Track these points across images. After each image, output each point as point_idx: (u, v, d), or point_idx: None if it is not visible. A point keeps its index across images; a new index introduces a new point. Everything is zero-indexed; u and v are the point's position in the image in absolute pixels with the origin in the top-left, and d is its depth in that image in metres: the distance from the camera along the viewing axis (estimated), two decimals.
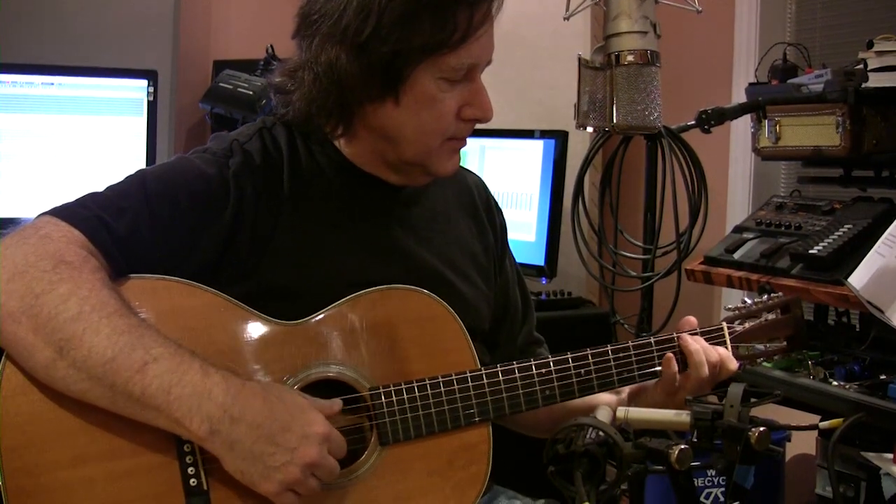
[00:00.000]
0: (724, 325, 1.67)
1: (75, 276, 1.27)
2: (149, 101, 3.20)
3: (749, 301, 1.74)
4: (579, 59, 1.71)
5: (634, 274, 2.88)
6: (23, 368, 1.28)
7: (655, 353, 1.60)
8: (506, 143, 3.60)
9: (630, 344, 1.59)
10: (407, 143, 1.51)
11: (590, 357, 1.56)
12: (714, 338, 1.65)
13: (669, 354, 1.59)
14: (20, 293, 1.26)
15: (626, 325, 2.85)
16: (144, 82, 3.20)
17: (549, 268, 3.51)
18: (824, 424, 1.42)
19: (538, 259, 3.47)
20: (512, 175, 3.51)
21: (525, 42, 3.81)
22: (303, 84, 1.51)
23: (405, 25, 1.41)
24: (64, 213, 1.36)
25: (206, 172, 1.46)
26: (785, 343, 1.71)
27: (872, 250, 1.94)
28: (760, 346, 1.69)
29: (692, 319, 1.68)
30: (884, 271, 1.84)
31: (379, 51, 1.42)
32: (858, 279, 1.92)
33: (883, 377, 2.13)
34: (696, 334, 1.63)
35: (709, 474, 1.50)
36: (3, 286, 1.26)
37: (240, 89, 2.87)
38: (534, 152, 3.58)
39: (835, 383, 2.15)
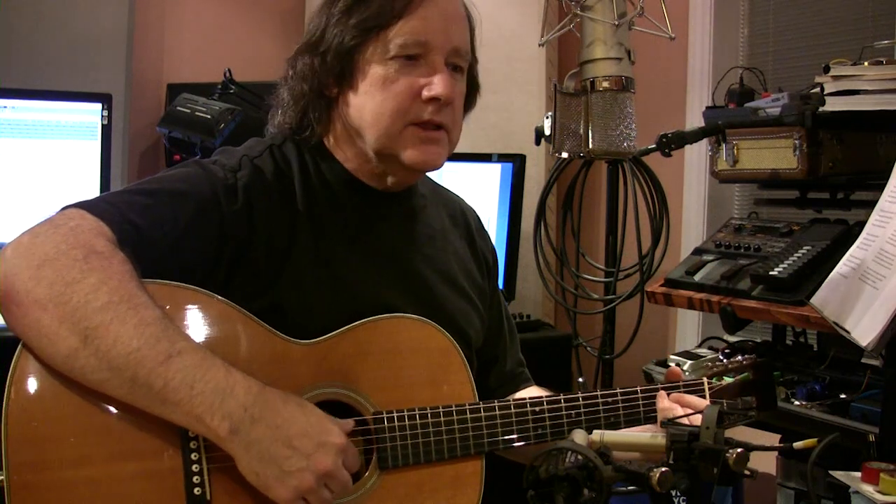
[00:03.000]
0: (705, 380, 1.74)
1: (106, 267, 1.27)
2: (103, 125, 3.17)
3: (724, 360, 1.85)
4: (555, 86, 1.73)
5: (597, 297, 2.89)
6: (39, 358, 1.27)
7: (641, 402, 1.66)
8: (463, 166, 3.61)
9: (618, 391, 1.66)
10: (367, 129, 1.55)
11: (580, 400, 1.62)
12: (696, 391, 1.71)
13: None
14: (50, 280, 1.25)
15: (588, 348, 2.86)
16: (98, 106, 3.17)
17: (508, 290, 3.53)
18: (798, 444, 1.43)
19: None
20: (469, 198, 3.48)
21: (480, 67, 3.81)
22: (282, 95, 1.62)
23: (350, 12, 1.53)
24: (91, 206, 1.36)
25: (220, 182, 1.48)
26: (754, 401, 1.79)
27: (834, 271, 1.96)
28: (735, 402, 1.77)
29: (678, 371, 1.76)
30: (847, 293, 1.86)
31: (329, 42, 1.54)
32: (822, 301, 1.95)
33: (843, 396, 2.17)
34: (678, 386, 1.70)
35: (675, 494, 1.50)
36: (33, 272, 1.25)
37: (198, 113, 2.84)
38: (491, 176, 3.59)
39: (797, 402, 2.18)
